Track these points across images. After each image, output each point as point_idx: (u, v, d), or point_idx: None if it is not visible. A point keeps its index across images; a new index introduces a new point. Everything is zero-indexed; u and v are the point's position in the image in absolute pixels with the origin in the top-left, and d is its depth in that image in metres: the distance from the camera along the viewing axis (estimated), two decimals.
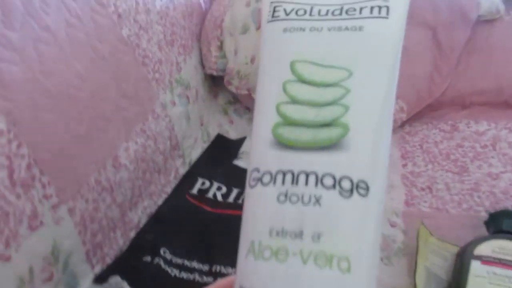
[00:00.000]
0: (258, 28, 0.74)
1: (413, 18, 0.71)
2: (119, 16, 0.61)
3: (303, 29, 0.20)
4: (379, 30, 0.20)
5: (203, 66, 0.81)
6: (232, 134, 0.81)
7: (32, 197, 0.42)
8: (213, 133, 0.80)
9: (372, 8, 0.20)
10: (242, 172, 0.73)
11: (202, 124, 0.79)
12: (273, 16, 0.22)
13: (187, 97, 0.73)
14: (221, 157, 0.74)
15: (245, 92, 0.77)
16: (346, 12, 0.20)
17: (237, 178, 0.69)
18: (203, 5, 0.88)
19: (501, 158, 0.65)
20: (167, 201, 0.64)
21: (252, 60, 0.74)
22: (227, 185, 0.67)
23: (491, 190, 0.57)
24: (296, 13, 0.21)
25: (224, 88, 0.84)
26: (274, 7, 0.21)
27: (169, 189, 0.67)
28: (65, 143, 0.47)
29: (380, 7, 0.20)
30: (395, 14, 0.20)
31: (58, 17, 0.51)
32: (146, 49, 0.65)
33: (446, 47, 0.72)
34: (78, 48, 0.52)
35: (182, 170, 0.71)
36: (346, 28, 0.20)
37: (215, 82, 0.87)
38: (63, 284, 0.46)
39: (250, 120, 0.84)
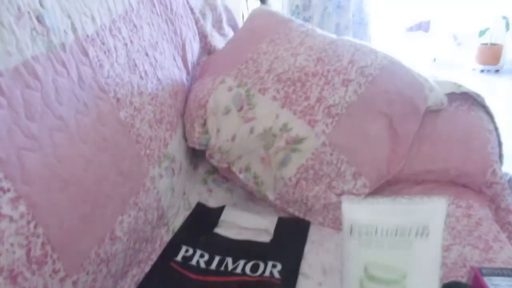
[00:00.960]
0: (239, 110, 0.83)
1: (374, 108, 0.83)
2: (118, 100, 0.68)
3: (370, 245, 0.35)
4: (422, 246, 0.35)
5: (185, 139, 0.89)
6: (211, 202, 0.88)
7: (44, 272, 0.47)
8: (193, 202, 0.87)
9: (417, 229, 0.35)
10: (223, 239, 0.80)
11: (184, 194, 0.85)
12: (350, 234, 0.37)
13: (173, 170, 0.80)
14: (202, 225, 0.80)
15: (225, 165, 0.85)
16: (400, 234, 0.35)
17: (218, 246, 0.75)
18: (186, 83, 0.97)
19: (450, 231, 0.75)
20: (153, 269, 0.69)
21: (233, 138, 0.82)
22: (209, 252, 0.73)
23: (444, 261, 0.66)
24: (366, 233, 0.36)
25: (204, 158, 0.92)
26: (351, 226, 0.37)
27: (154, 257, 0.72)
28: (73, 222, 0.53)
29: (423, 228, 0.35)
30: (433, 235, 0.35)
31: (70, 106, 0.58)
32: (140, 128, 0.72)
33: (401, 134, 0.84)
34: (85, 132, 0.59)
35: (166, 238, 0.76)
36: (401, 246, 0.34)
37: (195, 153, 0.94)
38: None
39: (228, 189, 0.91)
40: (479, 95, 0.93)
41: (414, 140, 0.86)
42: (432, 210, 0.41)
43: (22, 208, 0.46)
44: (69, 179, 0.53)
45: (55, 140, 0.53)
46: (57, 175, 0.52)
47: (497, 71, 4.02)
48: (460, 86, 0.94)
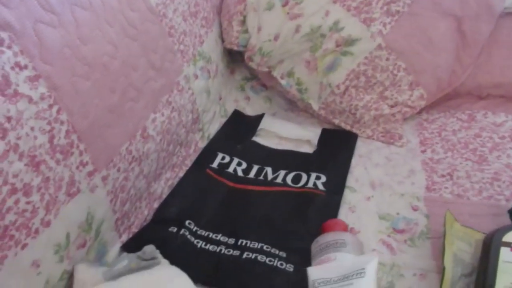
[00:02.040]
0: (284, 5, 0.73)
1: (441, 8, 0.71)
2: None
3: None
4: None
5: (222, 40, 0.80)
6: (249, 111, 0.81)
7: (70, 164, 0.42)
8: (230, 109, 0.80)
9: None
10: (262, 148, 0.74)
11: (220, 99, 0.78)
12: None
13: (208, 71, 0.73)
14: (240, 133, 0.74)
15: (266, 69, 0.76)
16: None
17: (257, 155, 0.69)
18: None
19: None
20: (188, 174, 0.64)
21: (276, 37, 0.73)
22: (247, 160, 0.67)
23: (511, 180, 0.59)
24: None
25: (241, 64, 0.84)
26: None
27: (189, 162, 0.67)
28: (100, 112, 0.46)
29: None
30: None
31: None
32: (172, 19, 0.64)
33: (470, 39, 0.72)
34: (111, 14, 0.51)
35: (201, 144, 0.71)
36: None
37: (232, 58, 0.86)
38: (94, 251, 0.47)
39: (267, 97, 0.84)
40: None
41: (484, 47, 0.74)
42: None
43: (42, 89, 0.40)
44: (94, 63, 0.46)
45: (78, 17, 0.46)
46: (81, 58, 0.45)
47: None
48: None
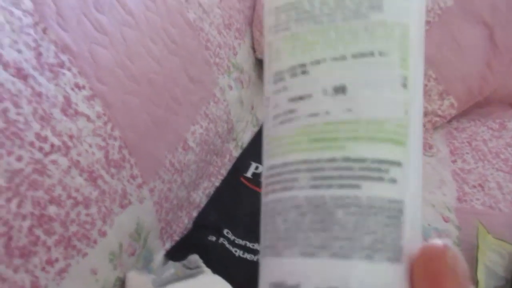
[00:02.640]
0: None
1: (471, 16, 0.72)
2: None
3: None
4: None
5: (254, 50, 0.82)
6: None
7: (123, 177, 0.45)
8: (261, 118, 0.82)
9: None
10: None
11: (252, 108, 0.80)
12: None
13: (241, 82, 0.75)
14: None
15: None
16: None
17: None
18: None
19: None
20: (224, 183, 0.67)
21: None
22: None
23: None
24: None
25: None
26: None
27: (224, 171, 0.69)
28: (147, 126, 0.49)
29: None
30: None
31: (139, 0, 0.52)
32: (209, 32, 0.66)
33: (501, 47, 0.72)
34: (155, 31, 0.54)
35: (235, 153, 0.73)
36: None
37: (262, 66, 0.88)
38: (142, 259, 0.49)
39: None
40: None
41: None
42: None
43: (98, 107, 0.42)
44: (141, 79, 0.49)
45: (126, 37, 0.48)
46: (130, 75, 0.47)
47: None
48: None
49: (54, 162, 0.37)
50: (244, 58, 0.77)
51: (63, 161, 0.38)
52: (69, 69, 0.40)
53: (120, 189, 0.44)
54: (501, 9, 0.72)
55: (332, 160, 0.16)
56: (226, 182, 0.67)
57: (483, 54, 0.74)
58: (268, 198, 0.18)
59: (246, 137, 0.76)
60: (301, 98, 0.17)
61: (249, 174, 0.68)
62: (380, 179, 0.16)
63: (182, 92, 0.57)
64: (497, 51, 0.73)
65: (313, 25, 0.18)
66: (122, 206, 0.44)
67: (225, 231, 0.57)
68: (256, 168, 0.69)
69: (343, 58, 0.17)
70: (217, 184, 0.66)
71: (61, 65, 0.40)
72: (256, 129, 0.79)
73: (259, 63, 0.85)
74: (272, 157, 0.18)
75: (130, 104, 0.47)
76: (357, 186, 0.16)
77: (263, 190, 0.18)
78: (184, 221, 0.59)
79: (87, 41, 0.43)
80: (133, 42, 0.49)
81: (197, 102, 0.61)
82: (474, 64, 0.74)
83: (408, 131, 0.17)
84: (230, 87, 0.70)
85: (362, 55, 0.17)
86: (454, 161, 0.68)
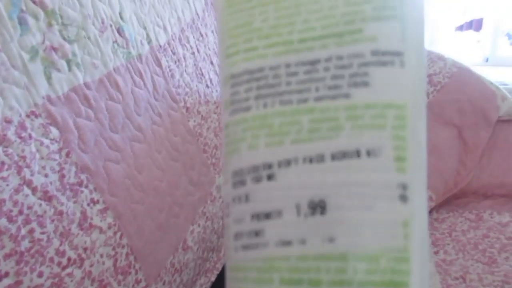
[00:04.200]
0: None
1: (442, 118, 0.80)
2: (187, 109, 0.69)
3: None
4: None
5: None
6: None
7: (128, 283, 0.48)
8: None
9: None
10: None
11: None
12: None
13: None
14: None
15: None
16: None
17: None
18: None
19: None
20: (219, 278, 0.69)
21: None
22: None
23: None
24: None
25: None
26: None
27: (219, 266, 0.72)
28: (151, 231, 0.53)
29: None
30: None
31: (146, 116, 0.59)
32: (206, 137, 0.73)
33: (470, 145, 0.80)
34: (160, 142, 0.60)
35: None
36: None
37: None
38: None
39: None
40: None
41: (484, 151, 0.82)
42: None
43: (109, 219, 0.47)
44: (147, 189, 0.54)
45: (135, 151, 0.54)
46: (138, 186, 0.53)
47: None
48: None
49: (69, 274, 0.41)
50: None
51: (78, 273, 0.42)
52: (86, 187, 0.45)
53: None
54: (467, 112, 0.81)
55: None
56: (221, 277, 0.70)
57: (456, 152, 0.81)
58: None
59: None
60: (268, 216, 0.13)
61: None
62: None
63: (183, 195, 0.62)
64: (467, 149, 0.81)
65: (279, 106, 0.14)
66: None
67: None
68: None
69: (320, 158, 0.13)
70: (213, 279, 0.69)
71: (80, 184, 0.45)
72: None
73: None
74: None
75: (137, 212, 0.52)
76: None
77: None
78: None
79: (102, 159, 0.49)
80: (141, 155, 0.55)
81: (195, 202, 0.65)
82: (449, 160, 0.81)
83: (411, 266, 0.13)
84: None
85: (344, 155, 0.13)
86: (436, 252, 0.72)
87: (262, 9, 0.15)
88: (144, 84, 0.60)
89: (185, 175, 0.64)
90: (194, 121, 0.70)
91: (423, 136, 0.14)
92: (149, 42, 0.63)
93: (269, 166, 0.13)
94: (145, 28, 0.62)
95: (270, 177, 0.13)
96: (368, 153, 0.13)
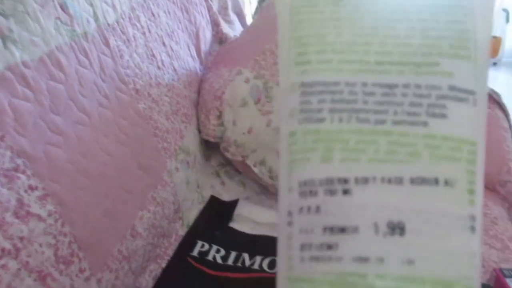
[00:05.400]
0: (256, 102, 0.81)
1: None
2: (137, 91, 0.67)
3: None
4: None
5: (199, 131, 0.88)
6: (224, 196, 0.87)
7: (71, 272, 0.46)
8: (206, 195, 0.86)
9: None
10: (238, 234, 0.79)
11: (198, 186, 0.84)
12: None
13: (187, 163, 0.79)
14: (217, 220, 0.79)
15: (240, 158, 0.84)
16: None
17: (234, 241, 0.74)
18: (199, 73, 0.95)
19: None
20: (170, 264, 0.68)
21: (249, 131, 0.81)
22: (225, 247, 0.72)
23: None
24: None
25: (216, 150, 0.91)
26: None
27: (170, 251, 0.71)
28: (97, 218, 0.51)
29: None
30: None
31: (92, 98, 0.56)
32: (157, 120, 0.71)
33: None
34: (107, 126, 0.57)
35: (182, 232, 0.75)
36: None
37: (207, 145, 0.93)
38: None
39: (241, 182, 0.90)
40: (495, 92, 0.92)
41: None
42: None
43: (50, 206, 0.44)
44: (93, 174, 0.52)
45: (79, 134, 0.52)
46: (82, 171, 0.50)
47: (495, 64, 4.03)
48: None
49: (3, 266, 0.38)
50: (190, 140, 0.81)
51: (13, 264, 0.39)
52: (23, 172, 0.43)
53: (69, 284, 0.45)
54: None
55: None
56: (172, 263, 0.69)
57: None
58: None
59: (192, 215, 0.79)
60: (343, 230, 0.13)
61: (195, 253, 0.71)
62: None
63: (131, 181, 0.60)
64: None
65: (355, 122, 0.14)
66: None
67: None
68: (202, 246, 0.72)
69: (398, 181, 0.13)
70: (164, 265, 0.68)
71: (16, 169, 0.42)
72: (201, 206, 0.82)
73: (204, 143, 0.90)
74: None
75: (81, 198, 0.49)
76: None
77: None
78: None
79: (42, 142, 0.46)
80: (86, 138, 0.53)
81: (145, 188, 0.64)
82: None
83: None
84: (177, 169, 0.74)
85: (423, 181, 0.13)
86: None
87: (336, 23, 0.15)
88: (90, 64, 0.57)
89: (134, 159, 0.62)
90: (144, 103, 0.68)
91: (483, 172, 0.14)
92: (96, 20, 0.59)
93: (345, 181, 0.13)
94: (91, 5, 0.59)
95: (346, 192, 0.13)
96: (446, 183, 0.13)
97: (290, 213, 0.15)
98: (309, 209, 0.14)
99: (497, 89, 0.94)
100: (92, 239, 0.50)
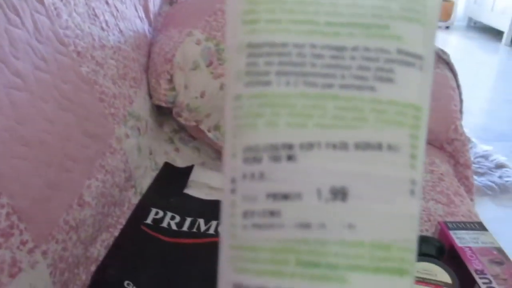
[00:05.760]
0: (208, 65, 0.79)
1: None
2: (78, 53, 0.63)
3: None
4: None
5: (150, 96, 0.84)
6: (179, 162, 0.85)
7: (11, 245, 0.44)
8: (160, 162, 0.84)
9: None
10: (193, 200, 0.78)
11: (150, 153, 0.82)
12: None
13: (138, 129, 0.76)
14: (171, 186, 0.78)
15: (193, 123, 0.82)
16: None
17: (189, 207, 0.73)
18: (148, 35, 0.91)
19: None
20: (123, 232, 0.67)
21: (202, 94, 0.79)
22: (180, 214, 0.71)
23: None
24: None
25: (169, 116, 0.88)
26: None
27: (123, 220, 0.69)
28: (39, 189, 0.48)
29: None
30: None
31: (27, 60, 0.52)
32: (103, 85, 0.67)
33: None
34: (46, 90, 0.54)
35: (135, 200, 0.73)
36: None
37: (160, 111, 0.90)
38: None
39: (195, 147, 0.89)
40: (445, 52, 0.94)
41: None
42: None
43: None
44: (31, 142, 0.49)
45: (14, 100, 0.48)
46: (19, 139, 0.47)
47: (447, 27, 4.14)
48: None
49: None
50: (140, 105, 0.78)
51: None
52: None
53: (9, 257, 0.43)
54: None
55: None
56: (125, 231, 0.67)
57: None
58: None
59: (145, 183, 0.77)
60: (286, 196, 0.13)
61: (149, 220, 0.69)
62: None
63: (76, 148, 0.57)
64: None
65: (303, 86, 0.14)
66: (12, 275, 0.43)
67: (125, 283, 0.57)
68: (156, 214, 0.71)
69: (343, 146, 0.13)
70: (116, 234, 0.66)
71: None
72: (155, 174, 0.80)
73: (156, 109, 0.87)
74: (243, 273, 0.14)
75: (19, 168, 0.46)
76: None
77: None
78: (82, 278, 0.58)
79: None
80: (22, 104, 0.49)
81: (92, 155, 0.61)
82: None
83: (413, 256, 0.14)
84: (127, 136, 0.72)
85: (367, 146, 0.13)
86: None
87: None
88: (22, 23, 0.52)
89: (78, 126, 0.59)
90: (88, 67, 0.64)
91: (426, 137, 0.14)
92: None
93: (290, 146, 0.13)
94: None
95: (290, 158, 0.13)
96: (389, 147, 0.13)
97: (233, 180, 0.14)
98: (252, 175, 0.13)
99: (448, 51, 0.96)
100: (34, 210, 0.47)
